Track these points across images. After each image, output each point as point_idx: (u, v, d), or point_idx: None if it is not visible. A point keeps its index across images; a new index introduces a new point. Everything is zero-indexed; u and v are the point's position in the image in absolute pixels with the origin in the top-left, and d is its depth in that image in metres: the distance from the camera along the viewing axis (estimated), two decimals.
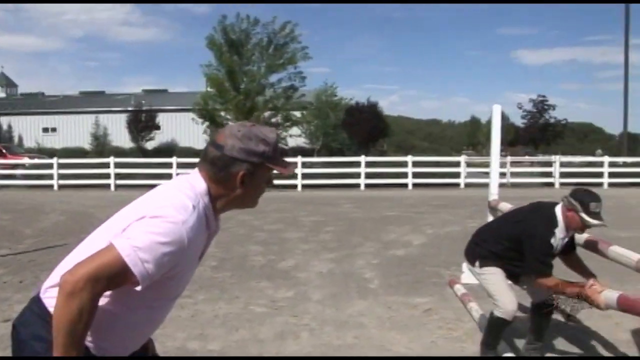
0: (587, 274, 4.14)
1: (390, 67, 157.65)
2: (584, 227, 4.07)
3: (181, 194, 1.87)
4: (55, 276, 1.87)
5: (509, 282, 4.46)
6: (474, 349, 4.68)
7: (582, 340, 5.03)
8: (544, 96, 44.84)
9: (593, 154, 27.43)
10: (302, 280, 7.15)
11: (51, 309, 1.77)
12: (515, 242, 4.25)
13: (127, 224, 1.81)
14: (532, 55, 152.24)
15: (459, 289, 6.44)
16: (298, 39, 34.39)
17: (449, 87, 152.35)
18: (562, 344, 4.96)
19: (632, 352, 4.75)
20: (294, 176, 22.85)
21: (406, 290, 6.65)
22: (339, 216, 13.77)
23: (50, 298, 1.82)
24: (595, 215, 3.98)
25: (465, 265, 6.54)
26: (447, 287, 6.75)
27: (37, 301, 1.89)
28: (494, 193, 6.84)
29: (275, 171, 2.01)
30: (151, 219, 1.77)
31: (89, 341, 1.80)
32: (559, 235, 4.14)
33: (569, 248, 4.32)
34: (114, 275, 1.71)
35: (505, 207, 6.31)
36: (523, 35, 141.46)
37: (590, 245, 4.27)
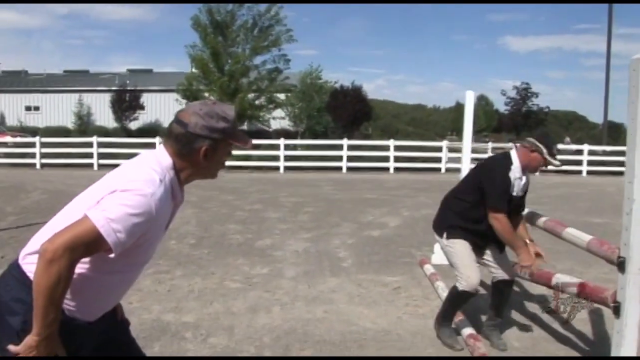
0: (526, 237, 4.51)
1: (377, 51, 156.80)
2: (545, 165, 4.45)
3: (149, 168, 2.05)
4: (33, 244, 2.05)
5: (474, 256, 4.67)
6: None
7: (540, 318, 5.28)
8: (527, 83, 45.02)
9: (578, 142, 27.67)
10: (277, 258, 7.36)
11: (30, 274, 1.95)
12: (478, 193, 4.47)
13: (100, 196, 1.98)
14: (519, 42, 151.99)
15: (429, 268, 6.67)
16: (283, 21, 34.40)
17: (436, 72, 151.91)
18: (522, 321, 5.19)
19: (586, 329, 5.00)
20: (277, 158, 23.04)
21: (377, 269, 6.88)
22: (318, 197, 13.99)
23: (29, 264, 2.00)
24: (555, 156, 4.39)
25: (436, 247, 6.79)
26: (417, 267, 6.98)
27: (16, 267, 2.06)
28: None
29: (235, 145, 2.19)
30: (122, 192, 1.94)
31: (66, 303, 1.98)
32: (516, 174, 4.43)
33: (518, 206, 4.60)
34: (89, 243, 1.88)
35: None
36: (511, 22, 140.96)
37: (548, 227, 4.51)
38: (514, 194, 4.46)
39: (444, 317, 4.67)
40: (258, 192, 14.86)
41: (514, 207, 4.51)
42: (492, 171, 4.47)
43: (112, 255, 1.95)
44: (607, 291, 3.54)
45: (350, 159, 23.37)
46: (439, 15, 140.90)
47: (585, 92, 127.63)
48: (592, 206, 13.24)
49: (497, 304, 4.75)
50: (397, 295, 5.90)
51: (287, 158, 23.40)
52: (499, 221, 4.32)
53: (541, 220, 4.61)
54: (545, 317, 5.27)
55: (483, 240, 4.58)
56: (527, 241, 4.37)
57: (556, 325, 5.09)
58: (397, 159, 23.55)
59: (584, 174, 24.07)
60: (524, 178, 4.49)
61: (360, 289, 6.09)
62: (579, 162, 24.58)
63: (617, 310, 3.34)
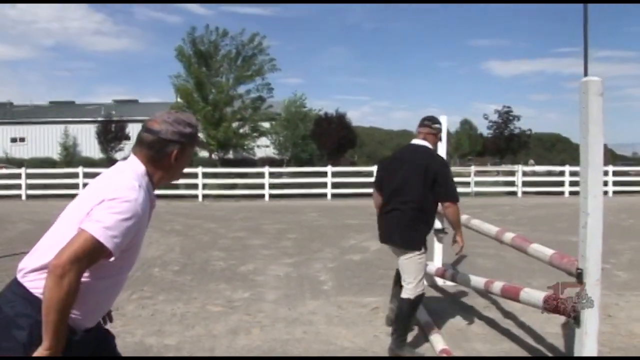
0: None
1: (361, 78, 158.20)
2: None
3: (127, 177, 2.27)
4: (31, 262, 2.21)
5: None
6: (412, 341, 5.04)
7: (512, 333, 5.42)
8: (509, 107, 45.47)
9: (562, 164, 27.99)
10: (259, 283, 7.48)
11: (33, 290, 2.13)
12: (431, 190, 4.78)
13: (89, 208, 2.16)
14: (502, 66, 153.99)
15: None
16: (266, 50, 34.85)
17: (420, 98, 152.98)
18: (495, 338, 5.33)
19: (558, 343, 5.14)
20: (262, 186, 23.17)
21: (357, 291, 7.01)
22: (302, 224, 14.14)
23: (31, 281, 2.16)
24: None
25: None
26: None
27: (16, 284, 2.21)
28: None
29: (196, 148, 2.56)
30: (110, 201, 2.15)
31: (71, 312, 2.13)
32: None
33: None
34: (92, 253, 2.07)
35: None
36: (494, 47, 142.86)
37: (515, 244, 4.69)
38: None
39: (403, 339, 4.77)
40: (242, 220, 14.98)
41: None
42: (443, 166, 4.85)
43: (111, 260, 2.15)
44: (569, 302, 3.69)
45: (335, 185, 23.51)
46: (422, 41, 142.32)
47: (568, 113, 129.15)
48: (571, 226, 13.32)
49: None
50: (375, 315, 6.03)
51: (272, 186, 23.54)
52: (457, 209, 4.81)
53: (509, 237, 4.79)
54: (518, 332, 5.43)
55: None
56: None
57: (529, 340, 5.24)
58: None
59: (567, 194, 24.32)
60: None
61: (339, 310, 6.22)
62: (561, 183, 24.86)
63: (577, 319, 3.51)
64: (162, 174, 2.39)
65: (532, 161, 37.57)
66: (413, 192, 4.74)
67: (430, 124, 5.03)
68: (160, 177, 2.40)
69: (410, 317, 4.84)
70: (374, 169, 24.14)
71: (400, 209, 4.79)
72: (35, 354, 2.06)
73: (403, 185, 4.81)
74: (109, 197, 2.14)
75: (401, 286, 4.91)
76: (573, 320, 3.58)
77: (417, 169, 4.75)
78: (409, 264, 4.79)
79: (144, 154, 2.35)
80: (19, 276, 2.21)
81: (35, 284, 2.13)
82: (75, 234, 2.09)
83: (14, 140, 48.39)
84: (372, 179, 22.72)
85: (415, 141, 5.05)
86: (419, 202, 4.74)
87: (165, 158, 2.35)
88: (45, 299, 2.02)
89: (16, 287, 2.20)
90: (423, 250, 4.80)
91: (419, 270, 4.78)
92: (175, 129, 2.35)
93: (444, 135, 7.30)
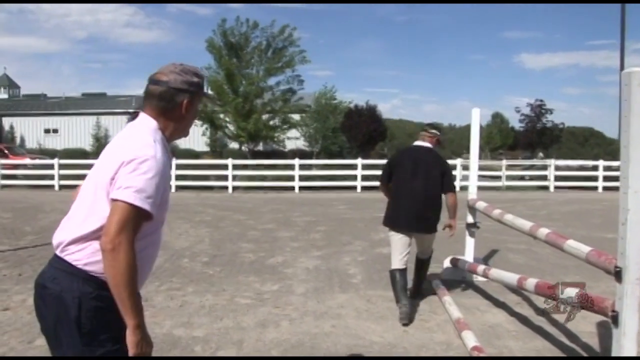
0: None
1: (392, 71, 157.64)
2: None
3: (141, 134, 2.25)
4: (64, 235, 2.22)
5: None
6: (443, 338, 5.00)
7: (545, 330, 5.31)
8: (541, 100, 44.66)
9: (595, 158, 27.38)
10: (288, 275, 7.45)
11: (75, 263, 2.16)
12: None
13: (112, 173, 2.15)
14: (534, 59, 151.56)
15: (437, 283, 6.74)
16: (296, 42, 34.72)
17: (451, 91, 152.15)
18: (527, 336, 5.23)
19: (593, 342, 5.02)
20: (292, 178, 23.15)
21: (386, 285, 6.89)
22: (331, 217, 14.08)
23: (72, 253, 2.18)
24: None
25: (445, 262, 6.89)
26: (426, 282, 7.01)
27: (57, 260, 2.23)
28: (472, 192, 7.14)
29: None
30: (130, 164, 2.13)
31: None
32: None
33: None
34: (134, 219, 2.08)
35: (482, 205, 6.62)
36: (526, 39, 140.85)
37: (550, 240, 4.58)
38: None
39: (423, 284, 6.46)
40: (272, 212, 14.98)
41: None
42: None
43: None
44: (607, 301, 3.59)
45: (365, 178, 23.32)
46: (454, 34, 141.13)
47: (602, 108, 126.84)
48: (605, 222, 13.18)
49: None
50: None
51: (302, 178, 23.47)
52: (456, 197, 6.01)
53: (543, 233, 4.68)
54: (551, 329, 5.31)
55: None
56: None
57: (563, 338, 5.13)
58: None
59: (600, 189, 23.86)
60: None
61: (368, 304, 6.17)
62: (595, 178, 24.39)
63: (615, 319, 3.39)
64: (174, 126, 2.37)
65: (541, 154, 36.98)
66: (434, 186, 5.92)
67: (428, 128, 6.22)
68: (172, 130, 2.37)
69: (428, 268, 6.45)
70: None
71: (423, 202, 5.87)
72: (127, 337, 2.09)
73: (424, 181, 5.88)
74: (127, 159, 2.13)
75: (405, 282, 5.96)
76: (611, 320, 3.48)
77: (434, 168, 5.92)
78: (431, 239, 6.19)
79: (154, 107, 2.32)
80: (58, 251, 2.24)
81: (76, 256, 2.16)
82: (111, 206, 2.09)
83: (47, 131, 48.99)
84: None
85: (419, 143, 6.18)
86: (437, 195, 5.93)
87: (176, 108, 2.33)
88: (110, 279, 2.05)
89: (57, 262, 2.22)
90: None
91: (432, 242, 6.23)
92: (184, 78, 2.33)
93: (474, 129, 7.22)
